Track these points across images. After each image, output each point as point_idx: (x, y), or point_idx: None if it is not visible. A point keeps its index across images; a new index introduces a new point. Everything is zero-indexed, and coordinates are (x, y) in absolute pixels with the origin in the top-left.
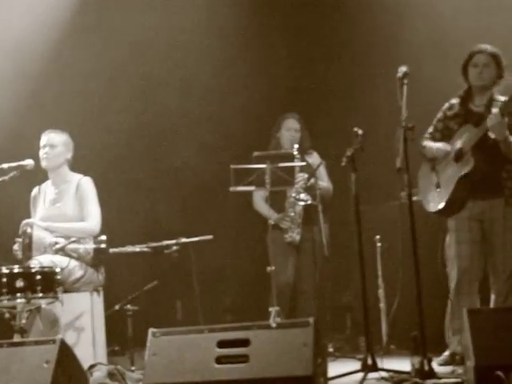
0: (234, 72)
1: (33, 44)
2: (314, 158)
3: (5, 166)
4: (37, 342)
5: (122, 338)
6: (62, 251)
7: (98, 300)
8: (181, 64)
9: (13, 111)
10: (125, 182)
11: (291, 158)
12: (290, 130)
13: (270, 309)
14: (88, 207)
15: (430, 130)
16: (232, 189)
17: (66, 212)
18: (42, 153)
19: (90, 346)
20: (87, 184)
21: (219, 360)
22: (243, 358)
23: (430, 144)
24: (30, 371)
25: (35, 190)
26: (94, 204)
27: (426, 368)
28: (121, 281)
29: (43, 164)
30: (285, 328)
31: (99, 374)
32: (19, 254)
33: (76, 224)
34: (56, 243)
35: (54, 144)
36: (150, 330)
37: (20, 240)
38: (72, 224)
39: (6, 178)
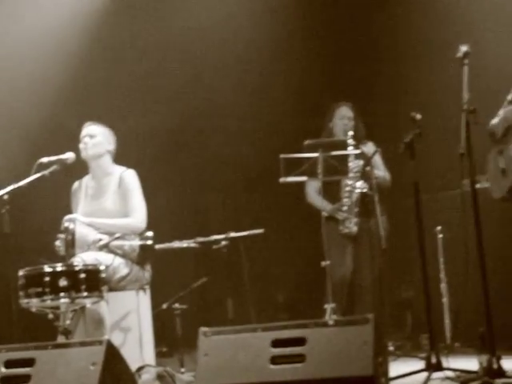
0: (283, 61)
1: (74, 35)
2: (369, 148)
3: (45, 159)
4: (82, 344)
5: (170, 338)
6: (106, 248)
7: (145, 299)
8: (230, 53)
9: (53, 104)
10: (170, 174)
11: (345, 145)
12: (343, 119)
13: (326, 306)
14: (132, 202)
15: (500, 112)
16: (282, 179)
17: (108, 207)
18: (81, 144)
19: (137, 346)
20: (131, 177)
21: (274, 360)
22: (299, 358)
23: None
24: (76, 374)
25: (76, 185)
26: (138, 198)
27: (495, 366)
28: (168, 278)
29: (82, 154)
30: (343, 325)
31: (148, 376)
32: (62, 250)
33: (120, 220)
34: (100, 240)
35: (94, 134)
36: (201, 330)
37: (62, 236)
38: (116, 220)
39: (46, 172)
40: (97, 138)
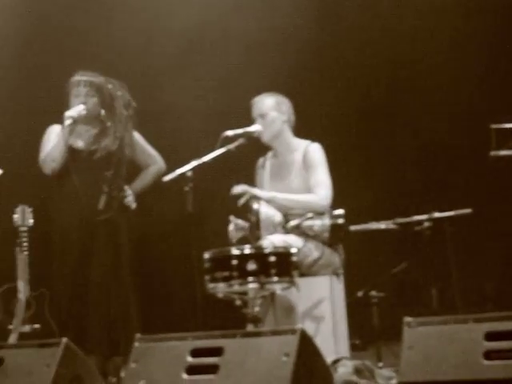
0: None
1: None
2: None
3: (230, 132)
4: (274, 333)
5: (365, 329)
6: (296, 230)
7: (338, 285)
8: (437, 19)
9: (237, 75)
10: (363, 147)
11: None
12: None
13: None
14: (315, 177)
15: None
16: (493, 153)
17: (292, 185)
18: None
19: (330, 337)
20: (315, 151)
21: (488, 355)
22: None
23: None
24: (267, 365)
25: (260, 162)
26: (323, 173)
27: None
28: (363, 263)
29: (263, 139)
30: None
31: (344, 369)
32: (234, 236)
33: (301, 196)
34: (288, 220)
35: (264, 112)
36: (405, 320)
37: (237, 221)
38: (297, 196)
39: (231, 146)
40: (269, 116)
